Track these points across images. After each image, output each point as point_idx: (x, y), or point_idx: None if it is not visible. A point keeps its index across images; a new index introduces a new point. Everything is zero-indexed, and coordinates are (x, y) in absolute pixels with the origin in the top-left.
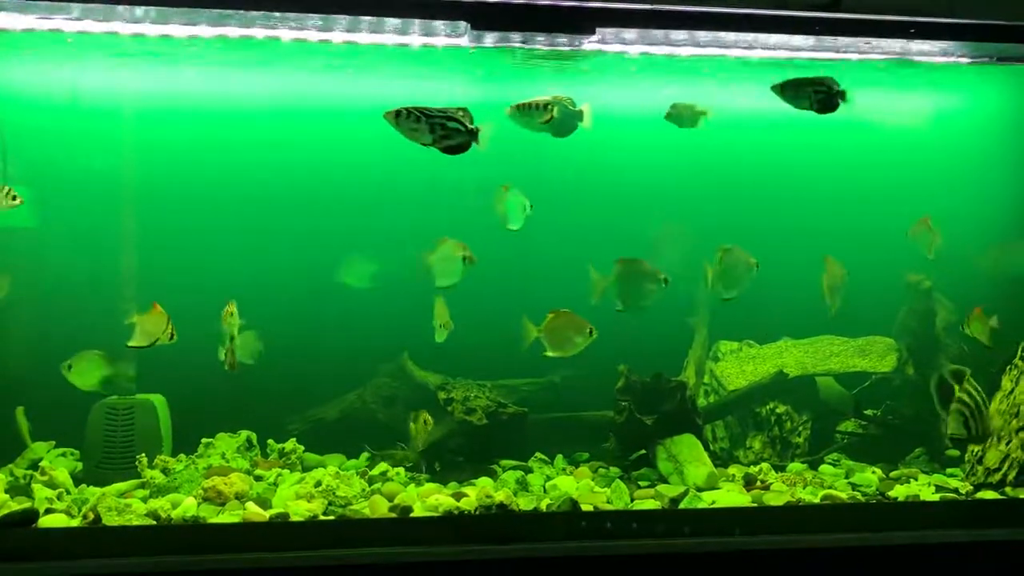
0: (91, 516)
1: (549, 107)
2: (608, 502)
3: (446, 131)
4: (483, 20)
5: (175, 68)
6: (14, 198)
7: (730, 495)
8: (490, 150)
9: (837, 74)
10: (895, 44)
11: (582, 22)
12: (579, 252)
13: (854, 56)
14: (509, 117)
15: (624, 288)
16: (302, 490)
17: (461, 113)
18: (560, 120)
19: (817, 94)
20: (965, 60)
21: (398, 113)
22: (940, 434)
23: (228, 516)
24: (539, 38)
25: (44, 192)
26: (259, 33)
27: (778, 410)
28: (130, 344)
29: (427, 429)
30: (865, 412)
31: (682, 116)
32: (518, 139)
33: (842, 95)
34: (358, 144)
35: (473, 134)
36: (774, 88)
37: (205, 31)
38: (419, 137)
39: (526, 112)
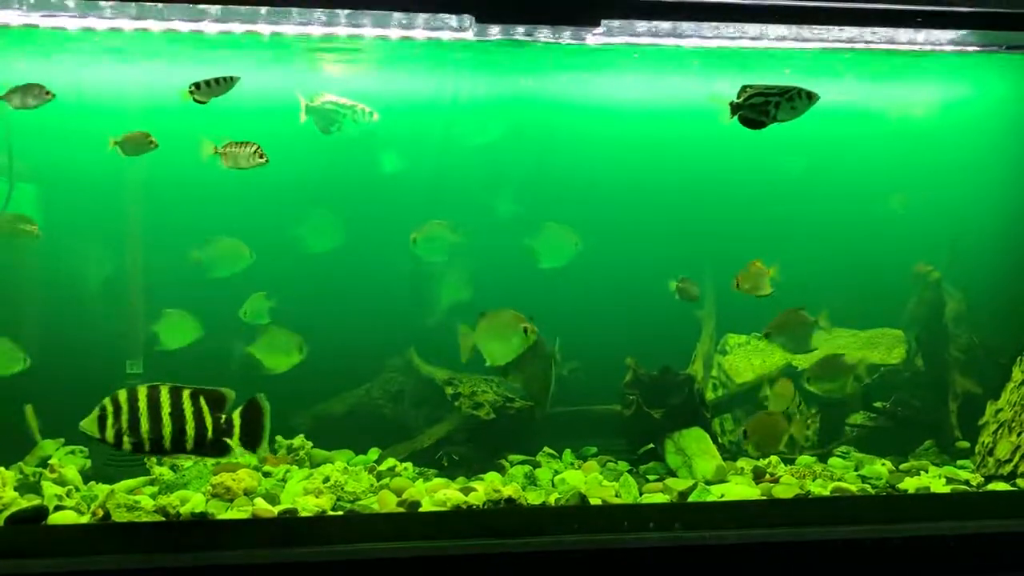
0: (100, 513)
1: None
2: (617, 496)
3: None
4: (488, 13)
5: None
6: (261, 156)
7: (739, 488)
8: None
9: (848, 64)
10: (902, 33)
11: (586, 14)
12: (586, 247)
13: (860, 46)
14: None
15: (487, 343)
16: (310, 486)
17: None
18: None
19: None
20: (973, 49)
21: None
22: (950, 426)
23: (237, 512)
24: (543, 30)
25: (48, 190)
26: (265, 30)
27: None
28: None
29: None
30: (874, 404)
31: None
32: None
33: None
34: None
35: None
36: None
37: (208, 27)
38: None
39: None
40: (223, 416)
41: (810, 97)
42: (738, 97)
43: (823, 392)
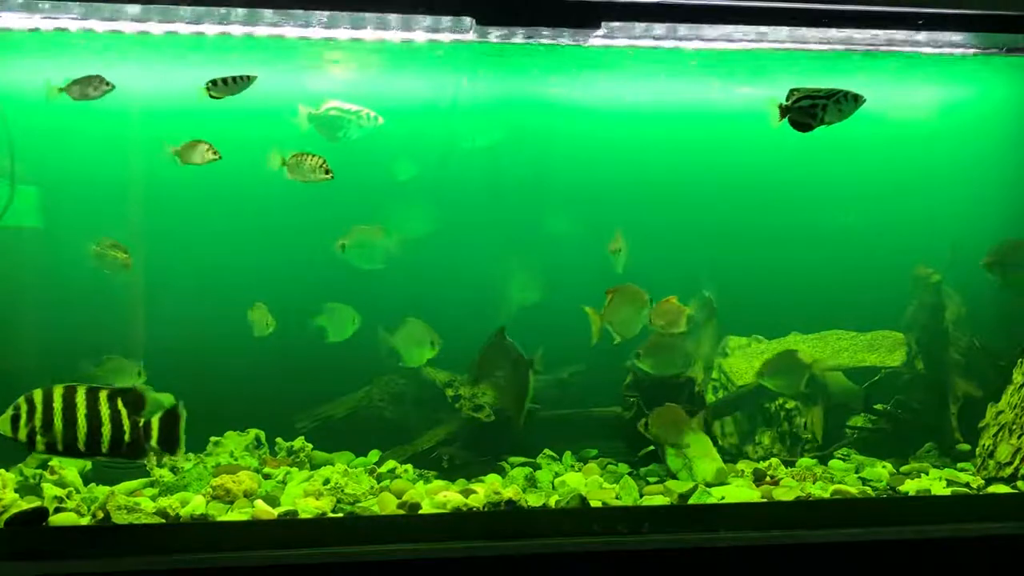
0: (100, 515)
1: None
2: (617, 498)
3: None
4: (489, 15)
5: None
6: (327, 172)
7: (740, 490)
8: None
9: (844, 65)
10: (903, 35)
11: (586, 16)
12: (586, 248)
13: (862, 48)
14: None
15: (619, 319)
16: (311, 488)
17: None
18: None
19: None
20: (973, 51)
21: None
22: (951, 428)
23: (237, 514)
24: (544, 33)
25: (48, 191)
26: (262, 31)
27: (787, 405)
28: None
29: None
30: (875, 407)
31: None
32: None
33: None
34: None
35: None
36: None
37: (208, 28)
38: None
39: None
40: (141, 419)
41: (856, 99)
42: (786, 100)
43: (776, 388)
